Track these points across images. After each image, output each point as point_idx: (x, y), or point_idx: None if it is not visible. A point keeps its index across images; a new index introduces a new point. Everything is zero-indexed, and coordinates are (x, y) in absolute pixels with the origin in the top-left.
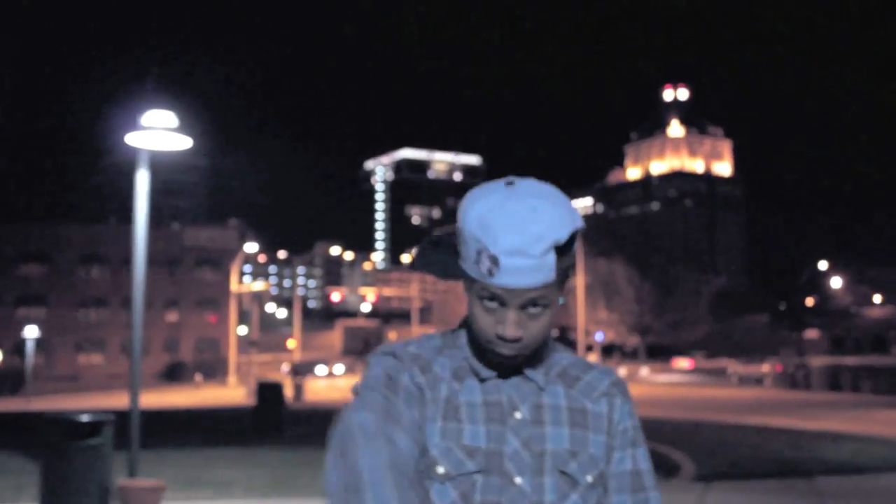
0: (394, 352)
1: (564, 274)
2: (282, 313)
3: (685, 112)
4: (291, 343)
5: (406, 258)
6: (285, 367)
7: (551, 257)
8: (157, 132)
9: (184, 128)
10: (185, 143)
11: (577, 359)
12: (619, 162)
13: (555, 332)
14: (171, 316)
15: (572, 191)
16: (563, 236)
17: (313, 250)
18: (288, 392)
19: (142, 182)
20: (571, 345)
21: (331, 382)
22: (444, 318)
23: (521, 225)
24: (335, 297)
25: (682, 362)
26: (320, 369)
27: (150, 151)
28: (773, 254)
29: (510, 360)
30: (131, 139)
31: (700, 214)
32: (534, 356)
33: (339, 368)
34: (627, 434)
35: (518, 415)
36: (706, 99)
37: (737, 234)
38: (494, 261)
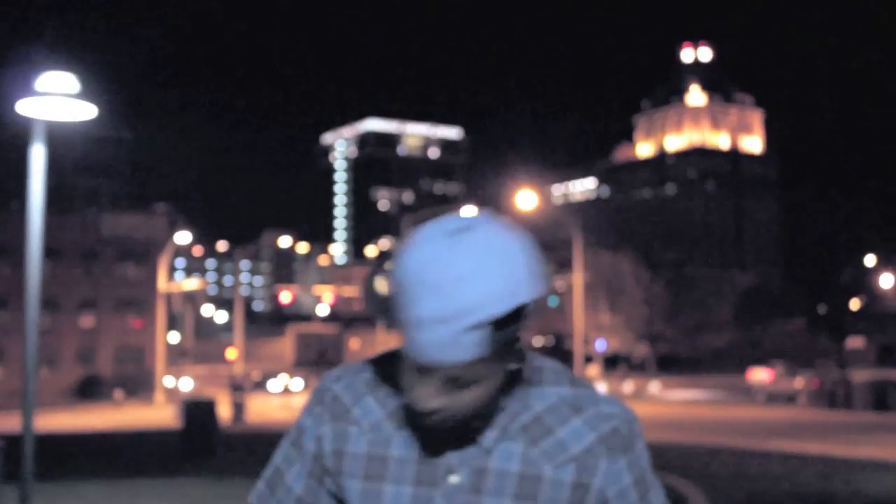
0: (321, 391)
1: (509, 344)
2: (221, 317)
3: (707, 76)
4: (232, 353)
5: (372, 251)
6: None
7: (479, 334)
8: (55, 98)
9: (89, 94)
10: (89, 111)
11: (569, 395)
12: (627, 136)
13: (548, 341)
14: (87, 320)
15: (570, 171)
16: (497, 311)
17: (259, 241)
18: (225, 411)
19: (37, 158)
20: (567, 356)
21: (285, 400)
22: None
23: (449, 291)
24: (285, 297)
25: (760, 373)
26: (274, 384)
27: (48, 122)
28: (812, 246)
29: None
30: (23, 107)
31: (724, 199)
32: (486, 410)
33: (296, 384)
34: (627, 498)
35: (454, 479)
36: (732, 60)
37: (768, 222)
38: (408, 327)
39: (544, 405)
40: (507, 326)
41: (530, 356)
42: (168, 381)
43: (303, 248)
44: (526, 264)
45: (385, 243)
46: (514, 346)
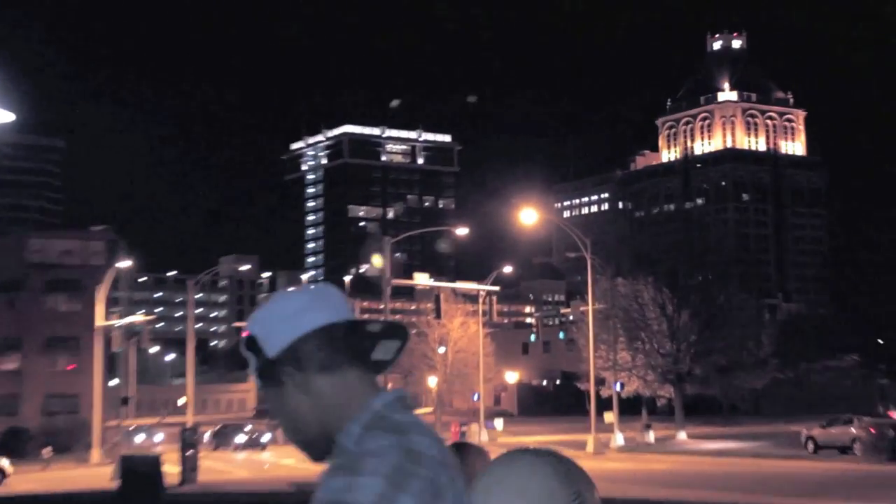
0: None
1: (270, 378)
2: (171, 358)
3: (740, 72)
4: (184, 400)
5: (349, 278)
6: (209, 435)
7: (251, 359)
8: None
9: (5, 97)
10: (4, 117)
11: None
12: (648, 142)
13: (553, 383)
14: (9, 362)
15: (581, 183)
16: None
17: (217, 268)
18: (172, 470)
19: None
20: (578, 400)
21: (249, 457)
22: (408, 364)
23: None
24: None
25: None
26: (235, 437)
27: None
28: (865, 268)
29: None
30: None
31: (762, 212)
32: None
33: (262, 437)
34: None
35: None
36: (769, 52)
37: (814, 239)
38: None
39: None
40: (257, 355)
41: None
42: (107, 434)
43: (268, 275)
44: (280, 302)
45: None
46: (276, 381)
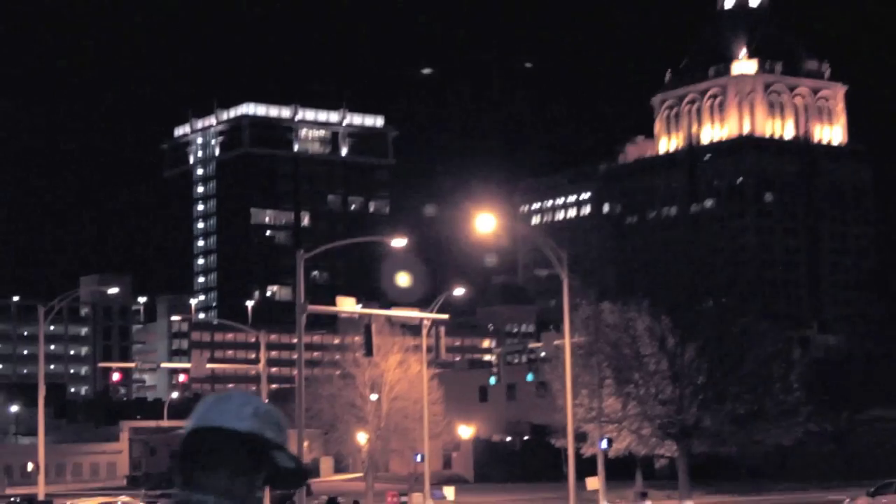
0: None
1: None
2: (17, 410)
3: (760, 33)
4: (33, 465)
5: (251, 304)
6: None
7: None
8: None
9: None
10: None
11: None
12: (641, 126)
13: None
14: None
15: (555, 179)
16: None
17: (77, 292)
18: None
19: None
20: (553, 459)
21: None
22: (316, 410)
23: None
24: (117, 377)
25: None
26: None
27: None
28: None
29: None
30: None
31: (791, 219)
32: None
33: None
34: None
35: None
36: (798, 8)
37: (859, 253)
38: None
39: None
40: None
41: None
42: None
43: (144, 300)
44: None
45: (282, 291)
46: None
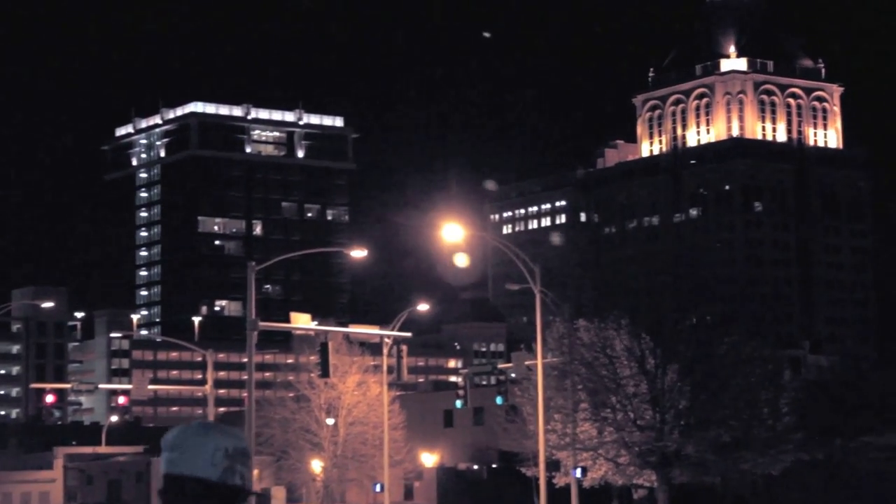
0: None
1: None
2: None
3: (752, 28)
4: None
5: (199, 320)
6: None
7: None
8: None
9: None
10: None
11: None
12: (621, 129)
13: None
14: None
15: (526, 185)
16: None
17: (8, 306)
18: None
19: None
20: (523, 489)
21: None
22: (267, 435)
23: None
24: (51, 399)
25: None
26: None
27: None
28: None
29: None
30: None
31: (782, 229)
32: None
33: None
34: None
35: None
36: (789, 3)
37: (855, 266)
38: None
39: None
40: None
41: None
42: None
43: (82, 317)
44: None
45: (231, 306)
46: None
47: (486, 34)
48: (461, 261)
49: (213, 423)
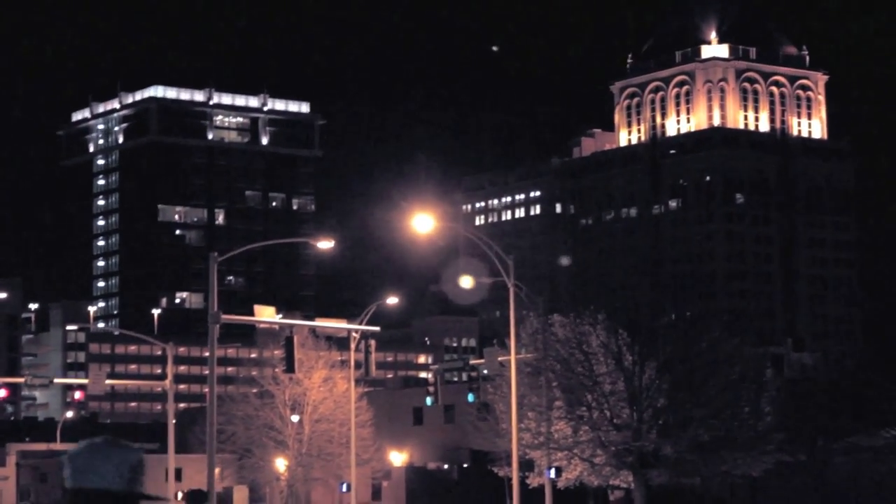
0: None
1: None
2: None
3: (733, 15)
4: None
5: (158, 313)
6: None
7: None
8: None
9: None
10: None
11: None
12: (598, 117)
13: (456, 464)
14: None
15: (499, 175)
16: None
17: None
18: None
19: None
20: (496, 489)
21: None
22: (229, 432)
23: None
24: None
25: None
26: None
27: None
28: None
29: None
30: None
31: (764, 222)
32: None
33: None
34: None
35: None
36: None
37: (839, 262)
38: None
39: None
40: None
41: None
42: None
43: (36, 308)
44: None
45: (193, 298)
46: None
47: (494, 48)
48: (466, 283)
49: (115, 439)
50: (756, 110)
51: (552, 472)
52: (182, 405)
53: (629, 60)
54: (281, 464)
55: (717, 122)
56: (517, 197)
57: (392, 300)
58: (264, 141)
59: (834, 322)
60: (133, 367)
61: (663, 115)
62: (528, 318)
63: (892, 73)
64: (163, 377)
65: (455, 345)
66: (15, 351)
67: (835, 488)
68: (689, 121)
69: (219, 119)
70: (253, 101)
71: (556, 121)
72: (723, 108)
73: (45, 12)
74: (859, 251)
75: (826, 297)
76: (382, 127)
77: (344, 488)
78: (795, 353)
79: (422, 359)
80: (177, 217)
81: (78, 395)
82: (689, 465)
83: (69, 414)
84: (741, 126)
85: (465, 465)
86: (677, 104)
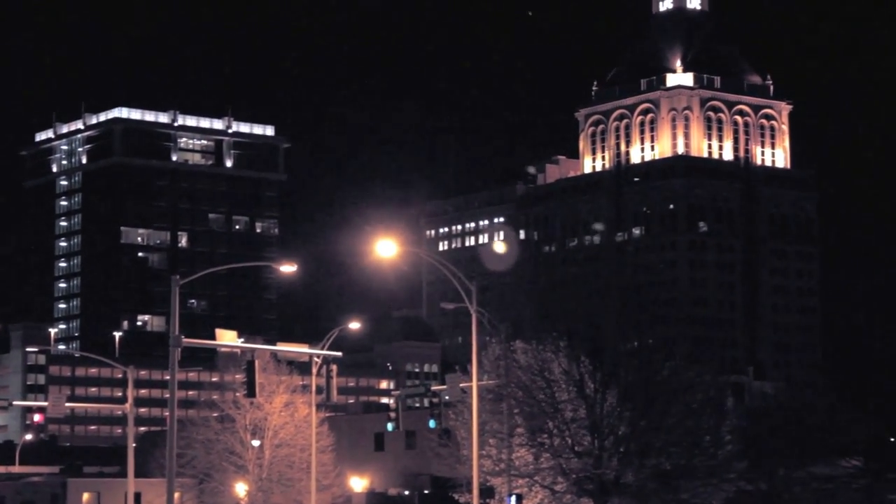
0: None
1: None
2: None
3: (698, 44)
4: None
5: (119, 335)
6: None
7: None
8: None
9: None
10: None
11: None
12: (563, 144)
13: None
14: None
15: (464, 200)
16: None
17: None
18: None
19: None
20: None
21: None
22: (189, 456)
23: None
24: None
25: None
26: None
27: None
28: (874, 332)
29: None
30: None
31: (727, 250)
32: None
33: None
34: None
35: None
36: (740, 17)
37: (801, 291)
38: None
39: None
40: None
41: None
42: None
43: None
44: None
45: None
46: None
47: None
48: (500, 248)
49: None
50: (720, 139)
51: (513, 500)
52: (143, 429)
53: (594, 87)
54: (241, 489)
55: (681, 150)
56: (481, 223)
57: (354, 325)
58: (228, 164)
59: (796, 351)
60: (93, 390)
61: (628, 143)
62: (490, 344)
63: (855, 104)
64: (123, 400)
65: (417, 370)
66: None
67: None
68: (653, 148)
69: (183, 141)
70: (217, 124)
71: (521, 147)
72: (687, 136)
73: (9, 33)
74: (822, 280)
75: (788, 326)
76: (347, 151)
77: None
78: (757, 382)
79: (384, 384)
80: (139, 239)
81: (37, 417)
82: (651, 494)
83: (28, 436)
84: (705, 154)
85: (426, 492)
86: (642, 132)
